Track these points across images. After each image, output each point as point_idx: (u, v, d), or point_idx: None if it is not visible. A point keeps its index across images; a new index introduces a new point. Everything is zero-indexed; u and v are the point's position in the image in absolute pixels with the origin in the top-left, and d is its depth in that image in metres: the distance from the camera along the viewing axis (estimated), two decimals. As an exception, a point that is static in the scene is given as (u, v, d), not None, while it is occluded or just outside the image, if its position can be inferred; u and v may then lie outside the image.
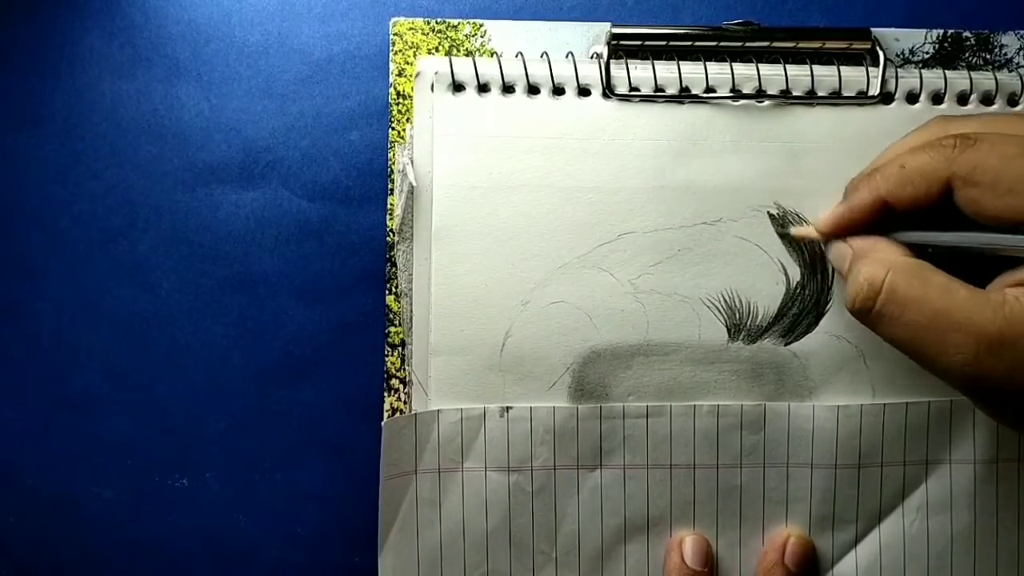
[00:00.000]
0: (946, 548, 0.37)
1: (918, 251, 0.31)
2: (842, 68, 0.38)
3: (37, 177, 0.39)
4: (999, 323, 0.26)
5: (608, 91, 0.38)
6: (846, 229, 0.33)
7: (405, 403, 0.38)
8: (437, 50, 0.38)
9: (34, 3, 0.40)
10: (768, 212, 0.38)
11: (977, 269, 0.30)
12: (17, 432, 0.39)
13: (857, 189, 0.33)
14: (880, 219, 0.32)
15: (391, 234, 0.38)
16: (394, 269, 0.38)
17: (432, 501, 0.37)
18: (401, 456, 0.37)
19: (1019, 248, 0.28)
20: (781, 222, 0.38)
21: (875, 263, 0.30)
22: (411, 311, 0.38)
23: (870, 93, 0.38)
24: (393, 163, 0.38)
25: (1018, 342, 0.26)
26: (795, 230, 0.37)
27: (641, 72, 0.38)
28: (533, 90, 0.38)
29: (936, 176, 0.29)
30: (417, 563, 0.37)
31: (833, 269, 0.38)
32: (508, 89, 0.38)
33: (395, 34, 0.38)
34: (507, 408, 0.37)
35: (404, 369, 0.38)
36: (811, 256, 0.38)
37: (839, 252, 0.33)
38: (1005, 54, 0.40)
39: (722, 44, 0.38)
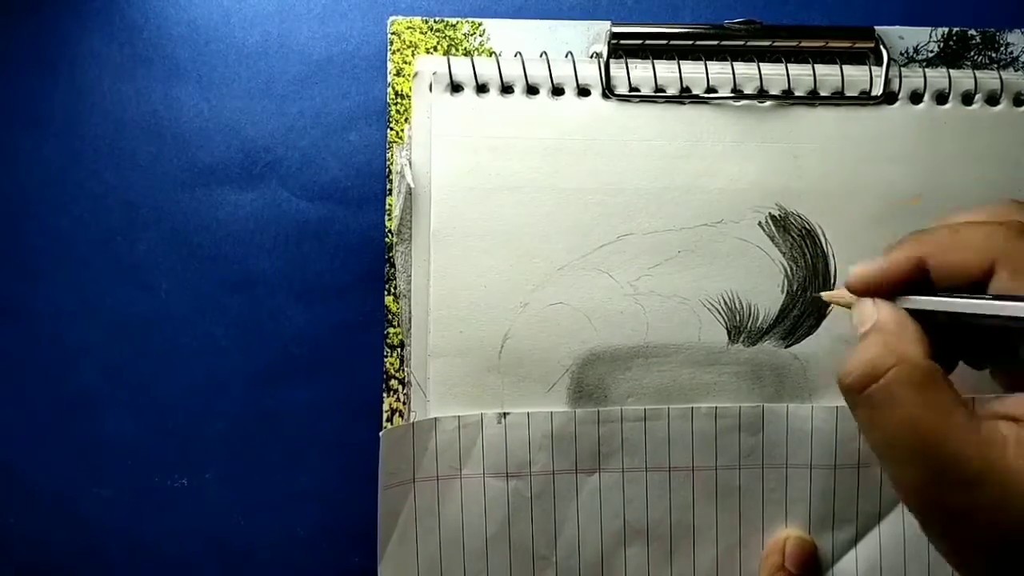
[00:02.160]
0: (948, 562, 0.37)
1: (939, 340, 0.29)
2: (845, 67, 0.38)
3: (37, 177, 0.40)
4: (975, 462, 0.25)
5: (608, 91, 0.37)
6: (878, 288, 0.29)
7: (404, 404, 0.38)
8: (435, 49, 0.38)
9: (34, 3, 0.40)
10: (770, 213, 0.38)
11: (995, 348, 0.28)
12: (17, 432, 0.40)
13: (902, 244, 0.29)
14: (917, 284, 0.29)
15: (390, 235, 0.38)
16: (393, 270, 0.38)
17: (431, 509, 0.37)
18: (399, 465, 0.37)
19: None
20: (784, 224, 0.38)
21: (887, 348, 0.28)
22: (410, 312, 0.38)
23: (873, 93, 0.38)
24: (391, 164, 0.38)
25: (984, 487, 0.25)
26: (826, 295, 0.33)
27: (641, 72, 0.38)
28: (532, 90, 0.38)
29: (987, 251, 0.27)
30: (417, 571, 0.37)
31: (835, 271, 0.37)
32: (507, 89, 0.38)
33: (393, 33, 0.38)
34: (504, 414, 0.37)
35: (403, 370, 0.38)
36: (812, 259, 0.38)
37: (864, 314, 0.30)
38: (1011, 52, 0.39)
39: (723, 43, 0.38)
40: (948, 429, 0.25)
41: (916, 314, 0.29)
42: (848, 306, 0.31)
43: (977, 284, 0.27)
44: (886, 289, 0.30)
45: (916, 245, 0.29)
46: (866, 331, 0.29)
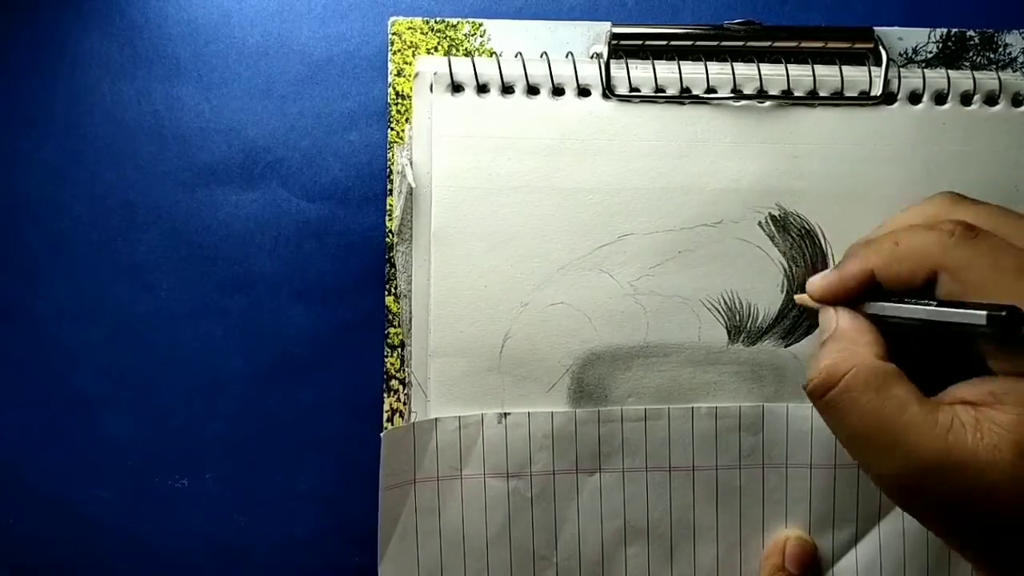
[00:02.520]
0: (946, 546, 0.37)
1: (897, 336, 0.30)
2: (844, 68, 0.38)
3: (37, 177, 0.39)
4: (939, 450, 0.26)
5: (608, 91, 0.38)
6: (836, 296, 0.32)
7: (404, 404, 0.38)
8: (436, 50, 0.38)
9: (34, 4, 0.40)
10: (769, 214, 0.38)
11: (955, 349, 0.29)
12: (17, 432, 0.40)
13: (850, 258, 0.32)
14: (870, 290, 0.31)
15: (390, 235, 0.38)
16: (393, 270, 0.38)
17: (431, 509, 0.37)
18: (400, 465, 0.37)
19: (976, 326, 0.27)
20: (783, 224, 0.38)
21: (843, 353, 0.30)
22: (410, 312, 0.38)
23: (872, 93, 0.38)
24: (392, 164, 0.38)
25: (952, 473, 0.26)
26: (797, 297, 0.37)
27: (641, 72, 0.38)
28: (532, 90, 0.38)
29: (926, 261, 0.29)
30: (418, 571, 0.37)
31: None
32: (507, 89, 0.38)
33: (394, 33, 0.38)
34: (505, 414, 0.37)
35: (403, 370, 0.38)
36: (812, 258, 0.38)
37: (826, 320, 0.32)
38: (1009, 53, 0.39)
39: (723, 44, 0.38)
40: (906, 423, 0.27)
41: (880, 318, 0.31)
42: (812, 307, 0.34)
43: (925, 289, 0.29)
44: (843, 298, 0.32)
45: (863, 258, 0.31)
46: (826, 339, 0.32)
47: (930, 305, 0.28)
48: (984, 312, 0.26)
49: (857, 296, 0.31)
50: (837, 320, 0.32)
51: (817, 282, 0.33)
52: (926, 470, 0.26)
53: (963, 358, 0.29)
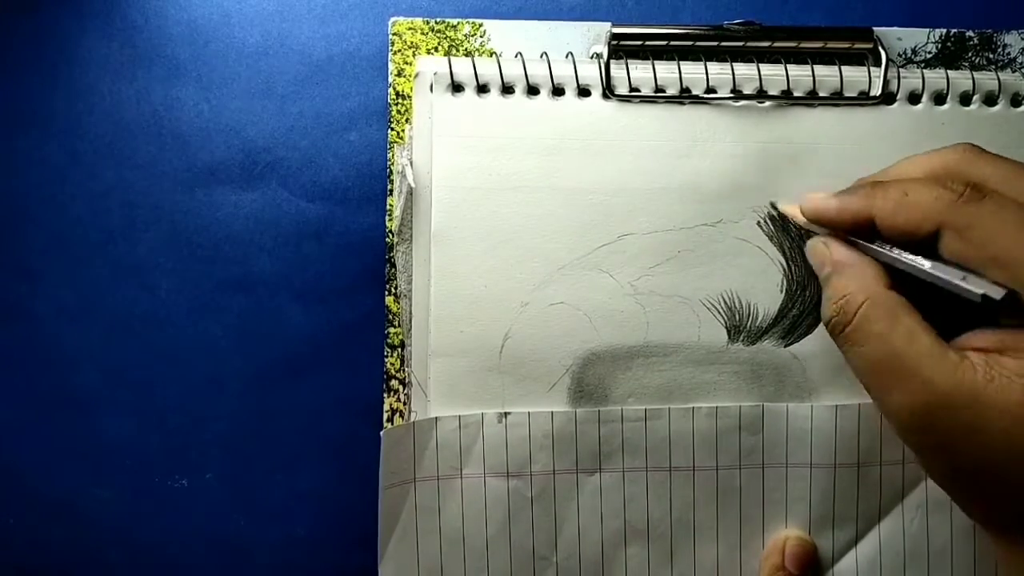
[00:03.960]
0: (946, 545, 0.37)
1: (895, 272, 0.31)
2: (844, 68, 0.38)
3: (37, 177, 0.39)
4: (949, 384, 0.26)
5: (608, 91, 0.38)
6: (828, 222, 0.32)
7: (404, 404, 0.38)
8: (436, 50, 0.38)
9: (34, 3, 0.40)
10: (769, 213, 0.38)
11: (958, 306, 0.29)
12: (17, 432, 0.40)
13: (855, 193, 0.32)
14: (865, 232, 0.31)
15: (390, 235, 0.38)
16: (393, 270, 0.38)
17: (431, 509, 0.37)
18: (400, 465, 0.37)
19: (977, 295, 0.27)
20: (783, 224, 0.38)
21: (855, 285, 0.30)
22: (410, 312, 0.38)
23: (872, 93, 0.38)
24: (392, 164, 0.38)
25: (960, 409, 0.26)
26: (782, 205, 0.37)
27: (641, 72, 0.38)
28: (533, 91, 0.38)
29: (931, 217, 0.29)
30: (418, 571, 0.37)
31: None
32: (507, 90, 0.38)
33: (394, 34, 0.38)
34: (505, 414, 0.37)
35: (404, 370, 0.38)
36: (811, 258, 0.38)
37: (818, 254, 0.33)
38: (1008, 54, 0.39)
39: (723, 44, 0.38)
40: (917, 353, 0.27)
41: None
42: (798, 222, 0.35)
43: (926, 241, 0.29)
44: (832, 226, 0.32)
45: (868, 199, 0.31)
46: (828, 272, 0.32)
47: (929, 265, 0.28)
48: (980, 291, 0.26)
49: (845, 230, 0.32)
50: (832, 252, 0.32)
51: (814, 201, 0.33)
52: (937, 403, 0.26)
53: (971, 306, 0.28)
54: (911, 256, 0.29)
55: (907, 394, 0.27)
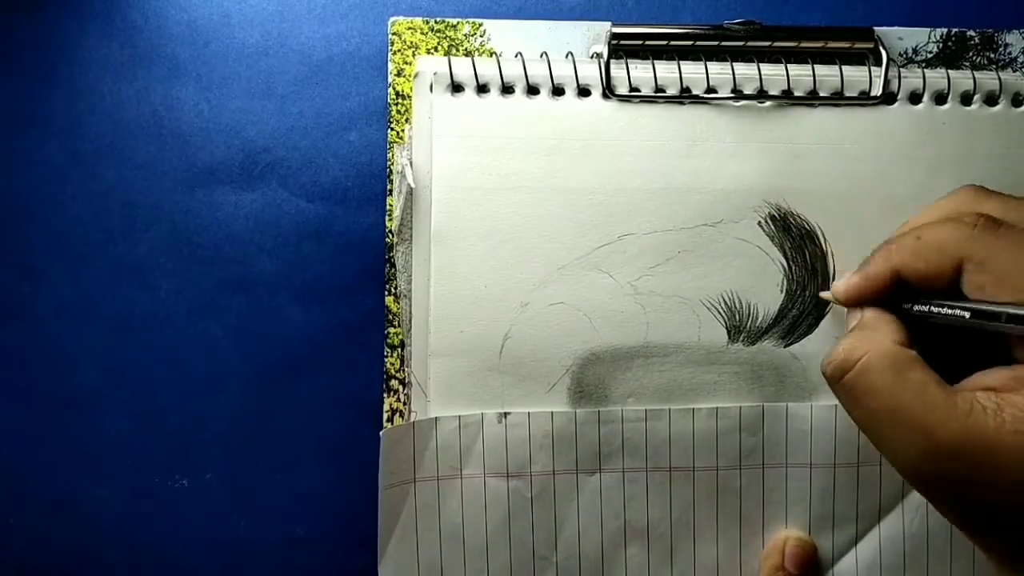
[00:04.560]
0: (946, 545, 0.37)
1: (922, 328, 0.30)
2: (844, 68, 0.38)
3: (37, 177, 0.39)
4: (958, 433, 0.25)
5: (608, 91, 0.38)
6: (862, 298, 0.32)
7: (404, 404, 0.38)
8: (436, 50, 0.38)
9: (34, 3, 0.40)
10: (769, 213, 0.38)
11: (982, 349, 0.29)
12: (17, 432, 0.40)
13: (873, 258, 0.31)
14: (896, 289, 0.30)
15: (390, 235, 0.38)
16: (393, 270, 0.38)
17: (431, 509, 0.37)
18: (400, 465, 0.37)
19: (1006, 327, 0.27)
20: (783, 224, 0.38)
21: (862, 339, 0.29)
22: (410, 312, 0.38)
23: (872, 93, 0.38)
24: (392, 164, 0.38)
25: (969, 458, 0.25)
26: (824, 294, 0.37)
27: (641, 72, 0.38)
28: (532, 90, 0.38)
29: (950, 254, 0.28)
30: (417, 571, 0.37)
31: (834, 271, 0.38)
32: (507, 89, 0.38)
33: (394, 33, 0.38)
34: (505, 414, 0.37)
35: (403, 370, 0.38)
36: (812, 258, 0.38)
37: (852, 318, 0.32)
38: (1009, 53, 0.39)
39: (723, 44, 0.38)
40: (924, 405, 0.26)
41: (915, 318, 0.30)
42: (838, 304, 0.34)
43: (953, 283, 0.29)
44: (869, 299, 0.31)
45: (886, 257, 0.31)
46: (849, 330, 0.31)
47: (969, 309, 0.28)
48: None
49: (884, 296, 0.31)
50: (863, 315, 0.31)
51: (841, 286, 0.32)
52: (945, 453, 0.26)
53: (987, 348, 0.28)
54: (948, 303, 0.29)
55: (913, 446, 0.27)
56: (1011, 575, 0.27)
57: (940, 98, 0.38)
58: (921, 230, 0.30)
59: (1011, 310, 0.26)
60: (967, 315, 0.28)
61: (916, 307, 0.30)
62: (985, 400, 0.26)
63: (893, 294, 0.31)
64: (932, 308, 0.29)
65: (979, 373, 0.28)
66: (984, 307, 0.27)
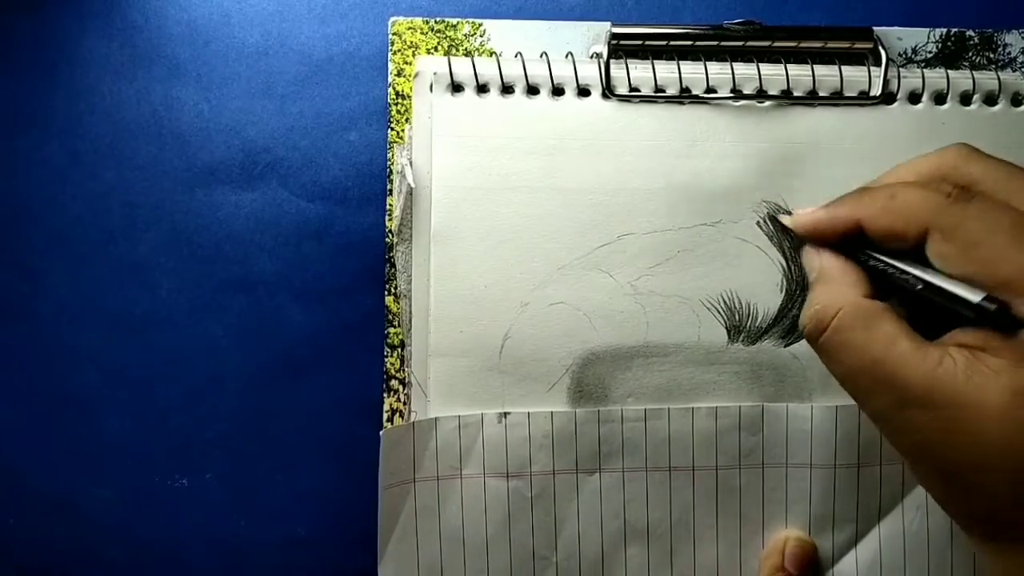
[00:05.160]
0: (946, 545, 0.37)
1: (885, 280, 0.30)
2: (844, 68, 0.38)
3: (38, 177, 0.40)
4: (927, 383, 0.26)
5: (608, 91, 0.38)
6: (821, 235, 0.32)
7: (404, 404, 0.38)
8: (436, 50, 0.38)
9: (34, 4, 0.40)
10: (769, 213, 0.38)
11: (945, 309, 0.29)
12: (17, 432, 0.40)
13: (843, 201, 0.31)
14: (856, 238, 0.31)
15: (390, 235, 0.38)
16: (393, 270, 0.38)
17: (431, 509, 0.37)
18: (399, 465, 0.37)
19: (961, 305, 0.27)
20: (783, 224, 0.38)
21: (831, 294, 0.30)
22: (410, 312, 0.38)
23: (872, 93, 0.38)
24: (392, 164, 0.38)
25: (938, 409, 0.26)
26: (783, 217, 0.36)
27: (641, 72, 0.38)
28: (532, 90, 0.38)
29: (918, 219, 0.28)
30: (417, 571, 0.37)
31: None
32: (507, 89, 0.38)
33: (394, 33, 0.38)
34: (505, 414, 0.37)
35: (403, 370, 0.38)
36: (811, 258, 0.38)
37: (809, 261, 0.32)
38: (1009, 53, 0.39)
39: (723, 44, 0.38)
40: (896, 357, 0.27)
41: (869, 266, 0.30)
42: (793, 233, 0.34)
43: (917, 246, 0.29)
44: (825, 238, 0.31)
45: (856, 206, 0.31)
46: (812, 280, 0.32)
47: (919, 274, 0.28)
48: (974, 303, 0.26)
49: (839, 240, 0.31)
50: (820, 260, 0.31)
51: (803, 216, 0.32)
52: (912, 402, 0.26)
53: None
54: (901, 264, 0.29)
55: (884, 396, 0.27)
56: (980, 542, 0.27)
57: (939, 98, 0.38)
58: (896, 188, 0.30)
59: (960, 292, 0.27)
60: (919, 286, 0.28)
61: (871, 261, 0.30)
62: (956, 354, 0.26)
63: (852, 240, 0.31)
64: (884, 265, 0.29)
65: (957, 330, 0.28)
66: (935, 281, 0.27)
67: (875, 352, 0.27)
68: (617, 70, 0.38)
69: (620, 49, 0.38)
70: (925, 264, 0.28)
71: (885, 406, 0.27)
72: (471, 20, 0.38)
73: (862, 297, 0.29)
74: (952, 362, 0.26)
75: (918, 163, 0.31)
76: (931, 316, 0.28)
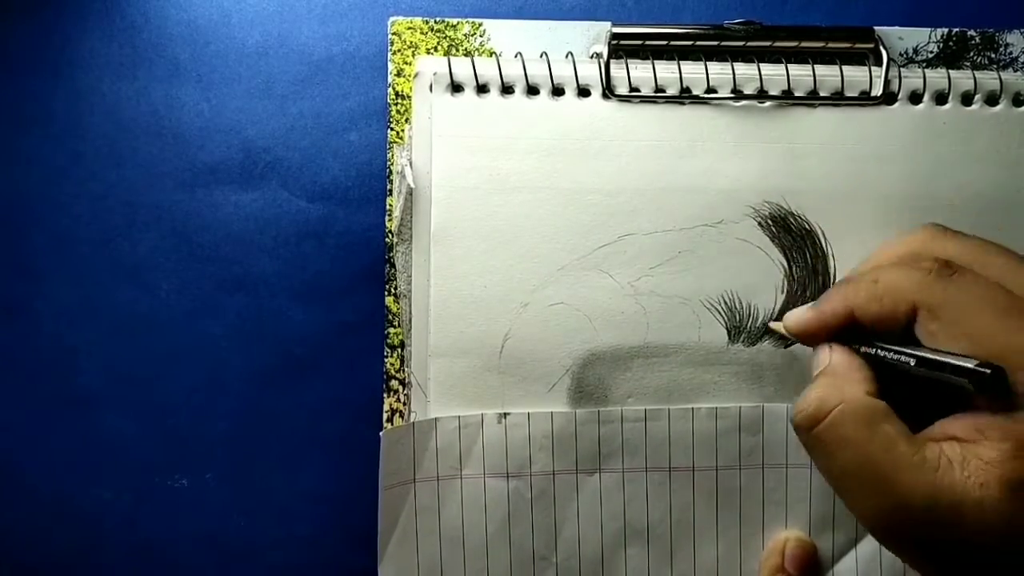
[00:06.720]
0: None
1: (887, 375, 0.30)
2: (845, 68, 0.38)
3: (37, 177, 0.40)
4: (926, 491, 0.25)
5: (608, 91, 0.37)
6: (812, 333, 0.31)
7: (404, 404, 0.38)
8: (436, 50, 0.38)
9: (34, 4, 0.40)
10: (770, 213, 0.38)
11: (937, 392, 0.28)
12: (17, 432, 0.40)
13: (829, 295, 0.31)
14: (851, 328, 0.30)
15: (390, 235, 0.38)
16: (393, 270, 0.38)
17: (431, 509, 0.37)
18: (399, 465, 0.37)
19: (957, 374, 0.26)
20: (784, 224, 0.38)
21: (833, 388, 0.29)
22: (410, 312, 0.38)
23: (873, 93, 0.38)
24: (392, 164, 0.38)
25: (937, 513, 0.25)
26: (773, 324, 0.37)
27: (641, 72, 0.38)
28: (532, 90, 0.38)
29: (904, 298, 0.28)
30: (417, 571, 0.37)
31: (835, 271, 0.38)
32: (507, 89, 0.38)
33: (394, 33, 0.38)
34: (505, 414, 0.37)
35: (403, 370, 0.38)
36: (812, 259, 0.38)
37: (820, 356, 0.31)
38: (1010, 53, 0.39)
39: (723, 44, 0.38)
40: (894, 460, 0.26)
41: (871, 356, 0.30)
42: (787, 337, 0.34)
43: (908, 328, 0.28)
44: (821, 336, 0.31)
45: (842, 296, 0.30)
46: (817, 374, 0.31)
47: (913, 351, 0.28)
48: (966, 379, 0.26)
49: (836, 334, 0.31)
50: (831, 356, 0.31)
51: (794, 318, 0.32)
52: (913, 510, 0.26)
53: (948, 390, 0.28)
54: (894, 347, 0.29)
55: (881, 501, 0.27)
56: None
57: (941, 98, 0.38)
58: (878, 272, 0.30)
59: (955, 361, 0.26)
60: (912, 362, 0.28)
61: (864, 348, 0.30)
62: (951, 451, 0.26)
63: (846, 334, 0.30)
64: (879, 352, 0.29)
65: (942, 421, 0.27)
66: (929, 355, 0.27)
67: (873, 452, 0.27)
68: (617, 70, 0.38)
69: (620, 49, 0.38)
70: (918, 346, 0.28)
71: (879, 507, 0.27)
72: (471, 20, 0.38)
73: (865, 395, 0.29)
74: (948, 462, 0.26)
75: (893, 246, 0.31)
76: (918, 404, 0.28)
